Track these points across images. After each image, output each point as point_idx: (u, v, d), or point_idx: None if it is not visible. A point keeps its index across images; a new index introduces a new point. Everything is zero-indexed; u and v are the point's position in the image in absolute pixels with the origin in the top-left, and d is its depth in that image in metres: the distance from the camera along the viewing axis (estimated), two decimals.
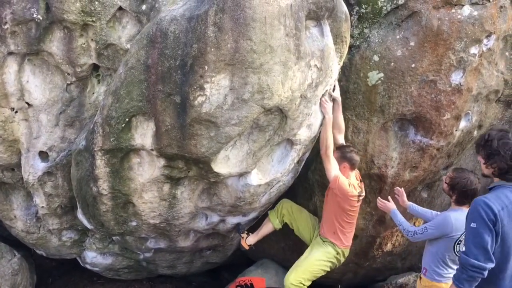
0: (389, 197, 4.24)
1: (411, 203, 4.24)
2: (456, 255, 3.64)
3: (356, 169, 4.20)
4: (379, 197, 4.28)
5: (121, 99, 3.55)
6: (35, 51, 3.82)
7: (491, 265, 2.87)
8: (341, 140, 4.18)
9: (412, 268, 5.73)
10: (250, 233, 4.61)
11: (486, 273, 2.88)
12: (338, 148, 4.10)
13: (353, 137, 4.33)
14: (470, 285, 2.94)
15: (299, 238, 4.60)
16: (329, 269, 4.35)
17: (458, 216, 3.57)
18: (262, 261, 5.64)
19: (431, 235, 3.69)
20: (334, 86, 4.03)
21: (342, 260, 4.37)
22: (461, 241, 3.60)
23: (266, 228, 4.55)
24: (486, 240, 2.85)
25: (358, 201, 4.11)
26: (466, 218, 3.02)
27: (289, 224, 4.53)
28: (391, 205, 4.13)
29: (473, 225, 2.89)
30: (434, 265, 3.71)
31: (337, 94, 4.06)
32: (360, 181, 4.22)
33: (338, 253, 4.25)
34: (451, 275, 3.67)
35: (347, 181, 4.00)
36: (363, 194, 4.17)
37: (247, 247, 4.57)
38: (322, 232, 4.28)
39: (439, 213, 3.98)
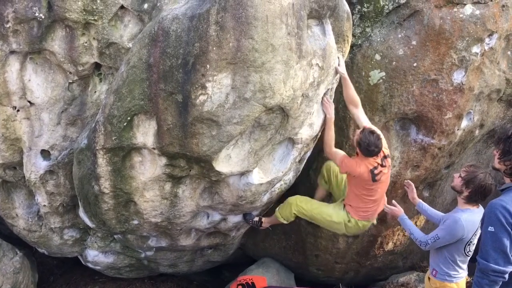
0: (394, 201, 4.05)
1: (420, 200, 4.06)
2: (466, 255, 3.60)
3: (383, 155, 3.89)
4: (385, 204, 4.08)
5: (123, 97, 3.56)
6: (37, 50, 3.81)
7: (511, 268, 2.86)
8: (360, 113, 3.96)
9: (414, 267, 5.73)
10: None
11: (507, 276, 2.88)
12: (361, 131, 3.83)
13: (354, 135, 4.31)
14: None
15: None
16: (331, 228, 4.32)
17: (468, 218, 3.47)
18: (263, 260, 5.64)
19: (444, 242, 3.56)
20: (339, 60, 3.89)
21: (354, 231, 4.25)
22: (471, 241, 3.55)
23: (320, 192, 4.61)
24: (505, 244, 2.83)
25: (373, 180, 3.85)
26: (482, 221, 2.98)
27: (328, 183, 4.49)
28: (398, 210, 3.91)
29: (491, 229, 2.85)
30: (445, 267, 3.65)
31: (343, 70, 3.91)
32: (382, 166, 3.87)
33: (349, 221, 4.12)
34: (461, 275, 3.67)
35: (353, 161, 3.84)
36: (380, 175, 3.85)
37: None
38: (347, 200, 4.17)
39: (447, 215, 3.74)
